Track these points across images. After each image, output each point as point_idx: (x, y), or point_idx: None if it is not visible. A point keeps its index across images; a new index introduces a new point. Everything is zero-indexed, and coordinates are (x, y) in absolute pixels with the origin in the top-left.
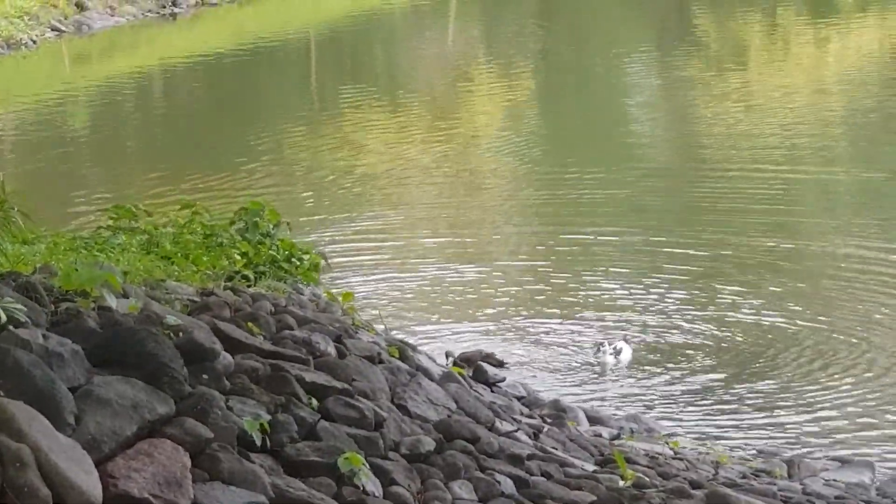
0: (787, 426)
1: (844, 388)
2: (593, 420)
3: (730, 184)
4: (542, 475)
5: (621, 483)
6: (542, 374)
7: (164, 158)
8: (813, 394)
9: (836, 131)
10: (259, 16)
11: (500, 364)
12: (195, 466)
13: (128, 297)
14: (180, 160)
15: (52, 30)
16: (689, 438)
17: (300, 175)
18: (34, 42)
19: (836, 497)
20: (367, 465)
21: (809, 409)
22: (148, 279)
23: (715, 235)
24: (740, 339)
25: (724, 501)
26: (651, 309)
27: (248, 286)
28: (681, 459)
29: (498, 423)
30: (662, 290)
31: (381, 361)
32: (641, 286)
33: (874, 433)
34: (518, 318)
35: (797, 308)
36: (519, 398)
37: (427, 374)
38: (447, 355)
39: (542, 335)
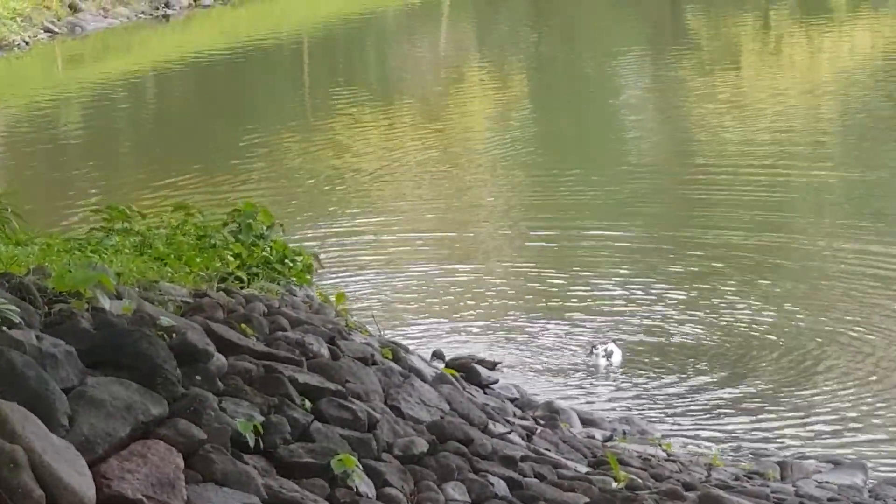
0: (780, 428)
1: (837, 389)
2: (586, 422)
3: (723, 184)
4: (536, 477)
5: (614, 485)
6: (534, 375)
7: (156, 160)
8: (806, 395)
9: (829, 131)
10: (252, 17)
11: (492, 367)
12: (188, 467)
13: (121, 299)
14: (173, 161)
15: (45, 31)
16: (682, 440)
17: (293, 176)
18: (27, 43)
19: (829, 499)
20: (361, 467)
21: (802, 410)
22: (141, 280)
23: (707, 236)
24: (733, 340)
25: (717, 503)
26: (644, 309)
27: (242, 287)
28: (674, 461)
29: (491, 425)
30: (655, 291)
31: (374, 363)
32: (635, 286)
33: (867, 435)
34: (510, 319)
35: (790, 309)
36: (512, 400)
37: (420, 375)
38: (435, 355)
39: (534, 336)
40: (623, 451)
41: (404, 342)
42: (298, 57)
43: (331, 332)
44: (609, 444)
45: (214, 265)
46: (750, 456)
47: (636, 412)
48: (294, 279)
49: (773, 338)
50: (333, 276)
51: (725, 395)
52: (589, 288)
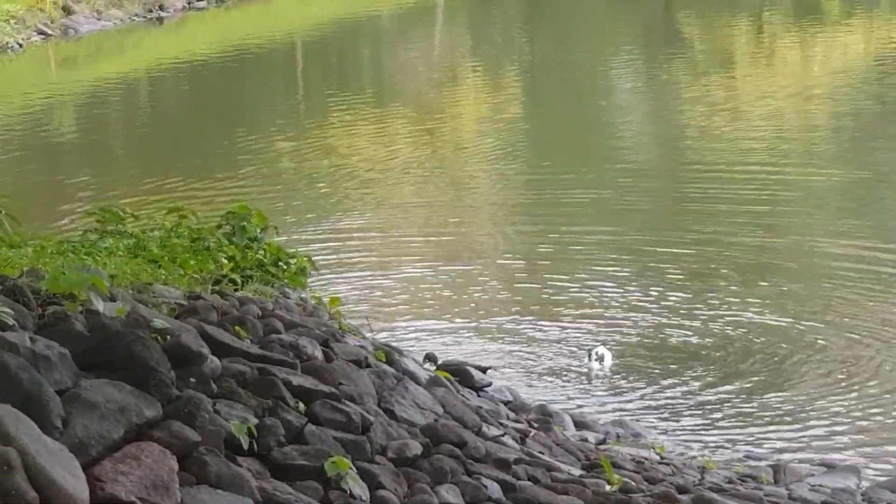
0: (774, 431)
1: (831, 392)
2: (579, 425)
3: (716, 185)
4: (529, 479)
5: (608, 488)
6: (527, 378)
7: (150, 162)
8: (799, 398)
9: (823, 133)
10: (246, 20)
11: (483, 372)
12: (182, 470)
13: (115, 301)
14: (167, 164)
15: (39, 33)
16: (676, 443)
17: (286, 178)
18: (20, 46)
19: (822, 502)
20: (354, 469)
21: (796, 413)
22: (135, 283)
23: (701, 237)
24: (727, 342)
25: None
26: (637, 311)
27: (236, 290)
28: (667, 464)
29: (485, 428)
30: (649, 292)
31: (368, 365)
32: (628, 288)
33: (860, 438)
34: (503, 321)
35: (784, 311)
36: (505, 403)
37: (414, 378)
38: (428, 357)
39: (527, 338)
40: (616, 454)
41: (396, 344)
42: (292, 59)
43: (324, 335)
44: (602, 447)
45: (208, 268)
46: (743, 459)
47: (629, 415)
48: (288, 282)
49: (767, 339)
50: (326, 277)
51: (719, 398)
52: (582, 289)
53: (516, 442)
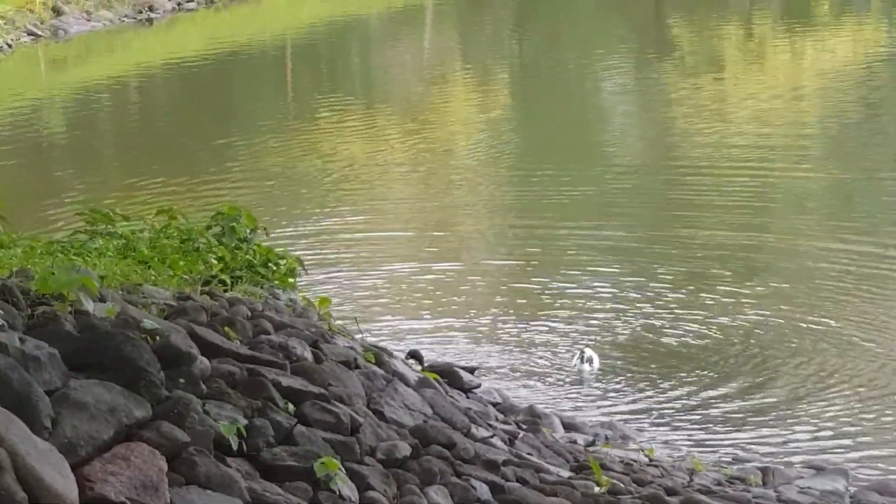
0: (762, 433)
1: (819, 394)
2: (568, 426)
3: (706, 186)
4: (518, 481)
5: (596, 489)
6: (516, 379)
7: (140, 163)
8: (788, 401)
9: (812, 134)
10: (235, 21)
11: (471, 371)
12: (172, 470)
13: (105, 301)
14: (156, 164)
15: (29, 34)
16: (664, 445)
17: (276, 178)
18: (10, 46)
19: None
20: (344, 470)
21: (785, 416)
22: (125, 283)
23: (690, 238)
24: (716, 343)
25: None
26: (627, 312)
27: (225, 291)
28: (656, 466)
29: (474, 429)
30: (639, 293)
31: (357, 367)
32: (618, 288)
33: (849, 440)
34: (491, 321)
35: (773, 311)
36: (494, 404)
37: (403, 379)
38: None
39: (516, 339)
40: (605, 455)
41: (383, 343)
42: (281, 60)
43: (314, 336)
44: (591, 448)
45: (198, 268)
46: (732, 461)
47: (618, 417)
48: (277, 283)
49: (756, 341)
50: (314, 276)
51: (708, 400)
52: (571, 290)
53: (505, 443)
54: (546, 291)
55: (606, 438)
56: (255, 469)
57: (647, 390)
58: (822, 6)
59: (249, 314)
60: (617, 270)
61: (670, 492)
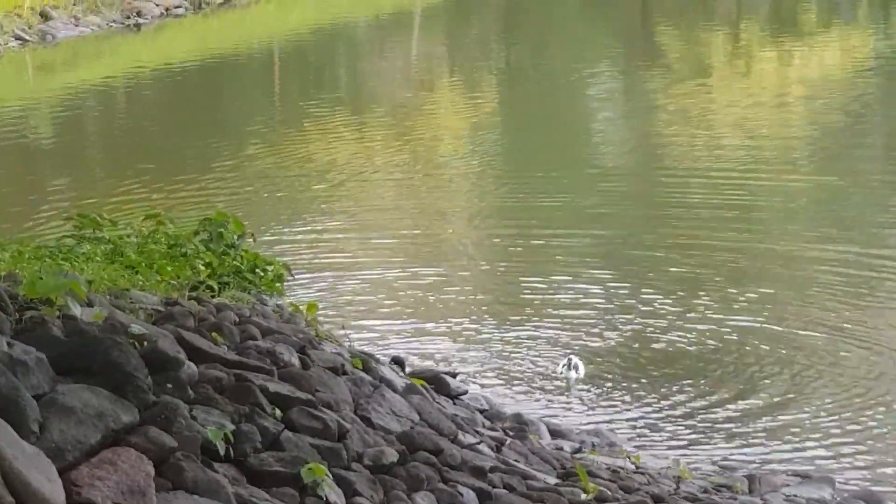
0: (749, 441)
1: (806, 401)
2: (555, 433)
3: (693, 191)
4: (505, 487)
5: (583, 496)
6: (503, 385)
7: (127, 168)
8: (775, 408)
9: (800, 140)
10: (223, 27)
11: (453, 376)
12: (159, 475)
13: (92, 306)
14: (144, 170)
15: (16, 39)
16: (651, 452)
17: (263, 183)
18: None
19: None
20: (331, 476)
21: (771, 423)
22: (112, 288)
23: (677, 244)
24: (703, 350)
25: None
26: (613, 318)
27: (213, 296)
28: (642, 473)
29: (461, 436)
30: (625, 298)
31: (344, 373)
32: (605, 294)
33: (835, 448)
34: (478, 326)
35: (760, 318)
36: (481, 411)
37: (390, 385)
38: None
39: (503, 344)
40: (592, 462)
41: (369, 348)
42: (269, 66)
43: (301, 342)
44: (578, 455)
45: (185, 274)
46: (718, 469)
47: (605, 424)
48: (265, 288)
49: (742, 348)
50: (300, 279)
51: (694, 407)
52: (559, 295)
53: (492, 450)
54: (534, 297)
55: (593, 445)
56: (242, 474)
57: (635, 397)
58: (809, 15)
59: (237, 320)
60: (604, 276)
61: (657, 499)
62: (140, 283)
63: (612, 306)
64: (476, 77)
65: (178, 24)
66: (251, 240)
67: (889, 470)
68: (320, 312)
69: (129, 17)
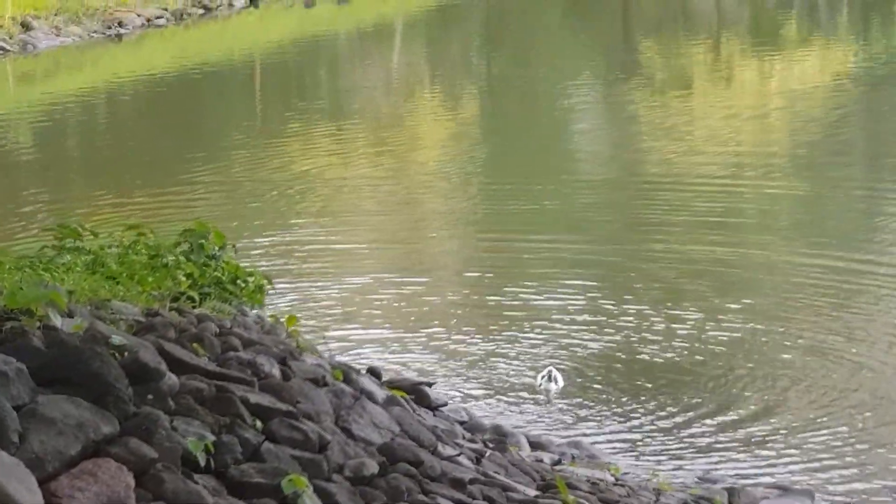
0: (729, 453)
1: (786, 414)
2: (535, 445)
3: (674, 200)
4: (485, 499)
5: None
6: (482, 396)
7: (109, 178)
8: (754, 420)
9: (780, 150)
10: (205, 38)
11: (429, 386)
12: (139, 486)
13: (73, 317)
14: (125, 180)
15: None
16: (631, 465)
17: (243, 193)
18: None
19: None
20: (311, 488)
21: (751, 436)
22: (93, 299)
23: (657, 254)
24: (683, 362)
25: None
26: (594, 328)
27: (194, 307)
28: (622, 486)
29: (441, 448)
30: (606, 308)
31: (325, 384)
32: (585, 304)
33: (815, 461)
34: (458, 336)
35: (741, 328)
36: (461, 422)
37: (371, 397)
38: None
39: (483, 355)
40: (571, 474)
41: (346, 357)
42: (250, 77)
43: (282, 353)
44: (558, 467)
45: (166, 285)
46: (698, 481)
47: (585, 436)
48: (246, 300)
49: (722, 360)
50: (280, 288)
51: (674, 420)
52: (540, 305)
53: (472, 462)
54: (514, 307)
55: (573, 457)
56: (222, 486)
57: (615, 409)
58: (789, 27)
59: (218, 331)
60: (585, 286)
61: None
62: (121, 293)
63: (592, 317)
64: (457, 87)
65: (159, 35)
66: (233, 251)
67: (868, 483)
68: (299, 322)
69: (110, 28)
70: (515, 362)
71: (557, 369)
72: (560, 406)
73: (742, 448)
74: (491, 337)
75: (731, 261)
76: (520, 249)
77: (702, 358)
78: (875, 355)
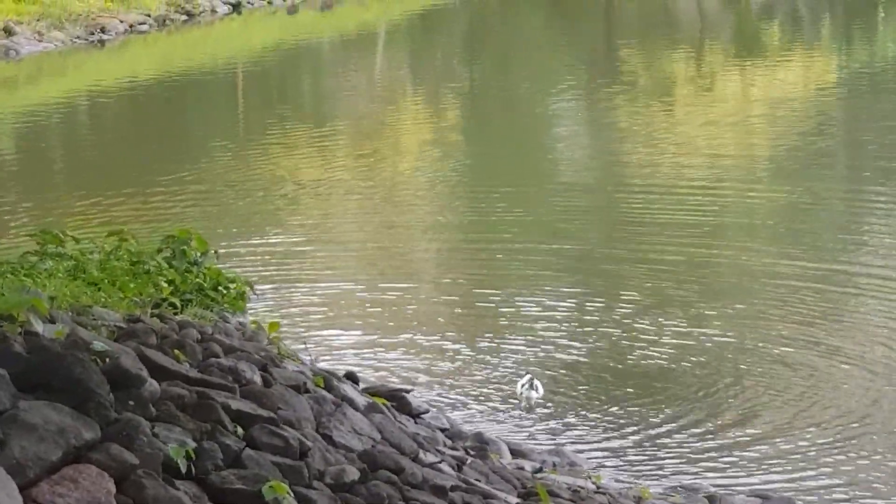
0: (710, 461)
1: (766, 421)
2: (516, 453)
3: (658, 208)
4: None
5: None
6: (463, 403)
7: (90, 184)
8: (736, 428)
9: (763, 157)
10: (188, 44)
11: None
12: (120, 493)
13: (55, 323)
14: (107, 186)
15: None
16: (612, 472)
17: (226, 199)
18: None
19: None
20: (292, 494)
21: (732, 443)
22: (75, 305)
23: (640, 259)
24: (665, 368)
25: None
26: (576, 335)
27: (175, 314)
28: (603, 493)
29: (422, 455)
30: (589, 314)
31: (306, 391)
32: (568, 310)
33: (795, 469)
34: (440, 343)
35: (724, 335)
36: (442, 430)
37: (352, 404)
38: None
39: (464, 362)
40: (553, 482)
41: (325, 363)
42: (233, 83)
43: (263, 360)
44: (539, 475)
45: (148, 291)
46: (679, 489)
47: (566, 444)
48: (227, 306)
49: (704, 368)
50: (262, 293)
51: (656, 427)
52: (522, 311)
53: (453, 469)
54: (496, 313)
55: (554, 465)
56: (203, 492)
57: (596, 416)
58: (772, 36)
59: (199, 337)
60: (567, 292)
61: None
62: (102, 299)
63: (574, 323)
64: (439, 94)
65: (142, 41)
66: (215, 257)
67: (848, 491)
68: (282, 329)
69: (93, 34)
70: (497, 369)
71: (538, 377)
72: (541, 414)
73: (723, 456)
74: (472, 344)
75: (713, 268)
76: (502, 255)
77: (683, 365)
78: (857, 363)
